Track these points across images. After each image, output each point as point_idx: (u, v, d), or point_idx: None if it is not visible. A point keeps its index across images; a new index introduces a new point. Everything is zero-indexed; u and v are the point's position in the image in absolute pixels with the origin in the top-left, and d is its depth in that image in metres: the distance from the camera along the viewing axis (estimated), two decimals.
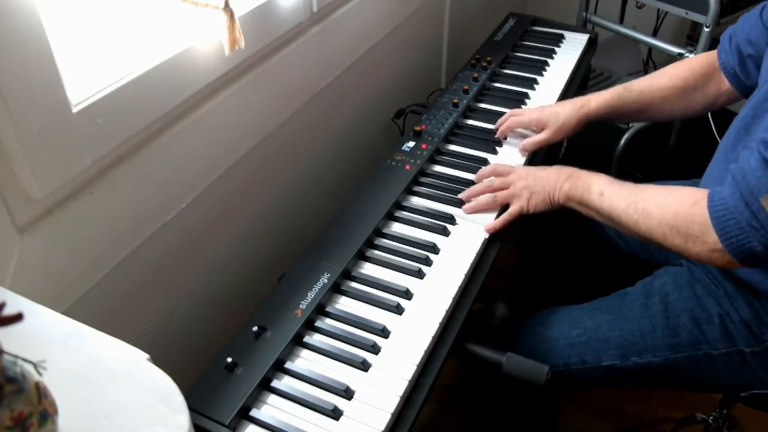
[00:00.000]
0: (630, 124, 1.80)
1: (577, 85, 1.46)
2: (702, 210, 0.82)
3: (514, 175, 1.05)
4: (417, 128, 1.21)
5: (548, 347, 1.04)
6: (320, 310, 0.87)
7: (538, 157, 1.21)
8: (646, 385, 1.12)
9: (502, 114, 1.29)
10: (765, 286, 0.94)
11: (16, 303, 0.58)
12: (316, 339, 0.84)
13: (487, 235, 1.00)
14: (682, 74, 1.16)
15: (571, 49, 1.52)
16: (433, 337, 0.84)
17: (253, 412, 0.75)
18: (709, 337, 0.97)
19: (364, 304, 0.89)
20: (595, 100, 1.17)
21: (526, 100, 1.34)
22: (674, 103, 1.17)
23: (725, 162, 0.97)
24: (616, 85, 1.20)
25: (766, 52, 1.00)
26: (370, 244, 0.98)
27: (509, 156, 1.18)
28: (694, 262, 1.03)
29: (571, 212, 1.02)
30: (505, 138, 1.22)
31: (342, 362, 0.81)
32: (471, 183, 1.11)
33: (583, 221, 1.04)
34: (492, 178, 1.08)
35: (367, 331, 0.84)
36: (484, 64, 1.42)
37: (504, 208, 1.05)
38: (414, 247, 0.98)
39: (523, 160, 1.17)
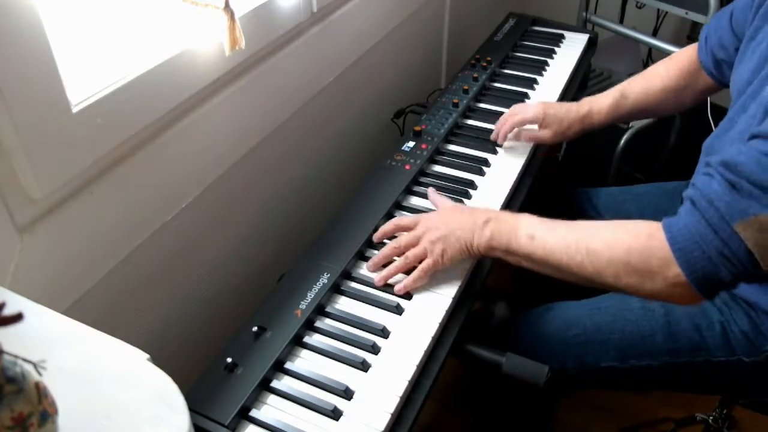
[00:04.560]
0: (630, 124, 1.80)
1: (577, 85, 1.46)
2: (660, 243, 0.75)
3: (421, 227, 0.92)
4: (417, 128, 1.21)
5: (546, 347, 1.03)
6: (320, 310, 0.87)
7: (541, 150, 1.22)
8: (645, 387, 1.11)
9: (502, 114, 1.29)
10: (758, 300, 0.94)
11: (16, 303, 0.58)
12: (315, 339, 0.84)
13: None
14: (673, 73, 1.16)
15: (571, 49, 1.52)
16: (433, 337, 0.84)
17: (253, 413, 0.75)
18: (709, 344, 0.96)
19: (364, 304, 0.89)
20: (596, 111, 1.17)
21: (526, 100, 1.34)
22: (668, 103, 1.19)
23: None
24: (616, 86, 1.20)
25: (735, 61, 0.98)
26: (370, 244, 0.98)
27: (510, 156, 1.18)
28: None
29: (570, 211, 1.01)
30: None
31: (342, 362, 0.81)
32: (471, 183, 1.11)
33: (584, 215, 1.02)
34: (397, 235, 0.94)
35: (367, 331, 0.84)
36: (484, 64, 1.42)
37: None
38: None
39: (521, 160, 1.17)
